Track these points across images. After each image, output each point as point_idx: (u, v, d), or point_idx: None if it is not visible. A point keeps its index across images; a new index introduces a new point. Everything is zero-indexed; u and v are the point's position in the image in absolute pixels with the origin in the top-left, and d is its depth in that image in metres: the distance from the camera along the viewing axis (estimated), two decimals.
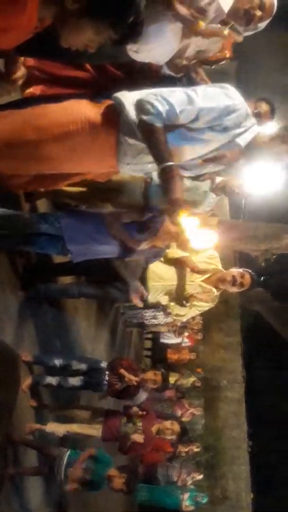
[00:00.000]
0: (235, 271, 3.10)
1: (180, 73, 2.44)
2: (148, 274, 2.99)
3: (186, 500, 6.62)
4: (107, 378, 3.30)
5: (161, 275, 3.00)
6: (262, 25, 2.33)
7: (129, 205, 2.84)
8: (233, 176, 3.02)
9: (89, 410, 3.52)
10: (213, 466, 9.33)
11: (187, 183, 2.08)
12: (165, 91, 1.76)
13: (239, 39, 2.33)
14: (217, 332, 10.39)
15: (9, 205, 2.79)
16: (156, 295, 3.01)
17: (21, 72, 1.80)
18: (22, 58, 2.68)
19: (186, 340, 8.76)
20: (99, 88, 2.26)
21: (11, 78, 1.74)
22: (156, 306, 3.20)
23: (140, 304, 2.67)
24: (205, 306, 3.11)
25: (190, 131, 1.81)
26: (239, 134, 1.85)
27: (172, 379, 8.30)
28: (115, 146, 1.81)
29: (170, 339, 8.52)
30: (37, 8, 1.16)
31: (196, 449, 7.53)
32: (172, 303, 2.97)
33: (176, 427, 3.48)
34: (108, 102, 1.83)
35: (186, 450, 7.11)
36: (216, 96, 1.78)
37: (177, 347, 8.93)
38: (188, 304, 2.86)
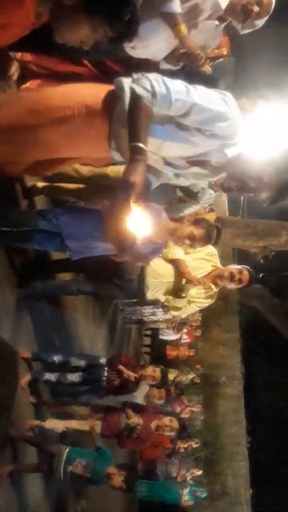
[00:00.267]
0: (233, 267, 3.10)
1: (179, 65, 2.42)
2: (147, 270, 2.99)
3: (185, 495, 6.66)
4: (106, 374, 3.31)
5: (159, 272, 3.00)
6: (260, 22, 2.32)
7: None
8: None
9: (88, 406, 3.53)
10: (212, 462, 9.37)
11: (187, 180, 2.05)
12: (166, 77, 1.72)
13: (226, 48, 2.31)
14: (216, 329, 10.40)
15: (7, 202, 2.79)
16: (154, 292, 3.01)
17: (14, 67, 1.79)
18: (19, 54, 2.68)
19: (185, 336, 8.78)
20: (97, 83, 2.25)
21: (6, 75, 1.72)
22: (155, 303, 3.20)
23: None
24: (204, 302, 3.12)
25: (180, 129, 1.77)
26: (228, 145, 1.80)
27: (171, 375, 8.32)
28: (108, 132, 1.79)
29: (169, 336, 8.53)
30: (34, 4, 1.15)
31: (195, 445, 7.57)
32: (169, 296, 2.97)
33: (175, 424, 3.49)
34: (110, 88, 1.81)
35: (185, 446, 7.14)
36: (213, 100, 1.74)
37: (176, 344, 8.95)
38: (184, 294, 2.86)
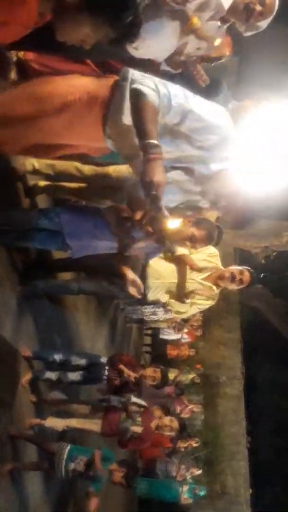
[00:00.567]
0: (234, 268, 3.11)
1: (179, 69, 2.43)
2: (148, 271, 2.99)
3: (185, 493, 6.67)
4: (106, 373, 3.32)
5: (161, 272, 3.00)
6: (264, 24, 2.32)
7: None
8: None
9: (89, 405, 3.53)
10: (212, 461, 9.38)
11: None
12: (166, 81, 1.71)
13: (228, 48, 2.31)
14: (217, 329, 10.41)
15: (8, 200, 2.80)
16: (156, 293, 3.02)
17: (12, 66, 1.80)
18: (21, 52, 2.69)
19: (185, 336, 8.78)
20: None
21: (5, 76, 1.73)
22: (156, 303, 3.21)
23: (138, 295, 2.59)
24: (206, 304, 3.12)
25: (168, 134, 1.75)
26: (213, 159, 1.78)
27: (171, 375, 8.33)
28: (103, 119, 1.78)
29: (169, 335, 8.54)
30: (37, 2, 1.16)
31: (195, 444, 7.57)
32: (172, 300, 2.98)
33: (175, 424, 3.49)
34: (114, 78, 1.81)
35: (185, 445, 7.15)
36: (209, 111, 1.72)
37: (176, 343, 8.95)
38: (188, 301, 2.86)
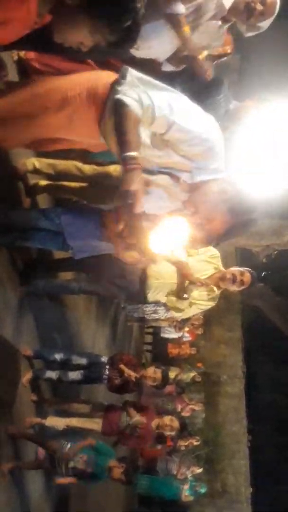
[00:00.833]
0: (235, 269, 3.10)
1: (181, 65, 2.41)
2: (148, 271, 2.98)
3: (186, 491, 6.69)
4: (107, 372, 3.32)
5: (161, 273, 2.99)
6: (265, 24, 2.30)
7: None
8: None
9: (89, 404, 3.54)
10: (213, 460, 9.39)
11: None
12: (155, 92, 1.67)
13: (230, 46, 2.29)
14: (218, 327, 10.40)
15: (9, 200, 2.80)
16: (156, 293, 3.01)
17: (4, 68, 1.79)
18: (22, 52, 2.68)
19: (186, 335, 8.78)
20: None
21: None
22: (156, 303, 3.20)
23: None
24: (206, 305, 3.12)
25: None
26: (198, 169, 1.77)
27: (172, 374, 8.34)
28: (99, 117, 1.77)
29: (170, 334, 8.54)
30: (37, 2, 1.15)
31: (196, 443, 7.58)
32: (171, 297, 2.96)
33: (176, 423, 3.49)
34: (114, 75, 1.80)
35: (186, 444, 7.16)
36: (195, 122, 1.70)
37: (177, 342, 8.95)
38: (186, 295, 2.85)
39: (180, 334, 8.20)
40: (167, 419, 3.45)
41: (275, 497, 11.12)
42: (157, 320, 5.64)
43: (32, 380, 3.16)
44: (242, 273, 3.02)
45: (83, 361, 3.31)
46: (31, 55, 2.69)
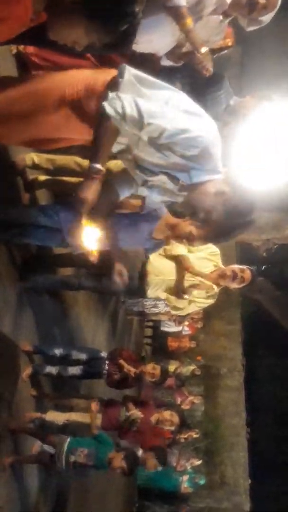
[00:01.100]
0: (236, 266, 3.09)
1: (180, 61, 2.38)
2: (148, 267, 2.98)
3: (185, 482, 6.75)
4: (106, 368, 3.33)
5: (161, 269, 2.99)
6: (267, 18, 2.27)
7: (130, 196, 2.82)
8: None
9: (89, 399, 3.55)
10: (212, 452, 9.46)
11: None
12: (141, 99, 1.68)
13: (231, 39, 2.27)
14: (217, 321, 10.42)
15: (8, 196, 2.78)
16: (155, 290, 3.01)
17: None
18: (21, 46, 2.66)
19: (186, 328, 8.80)
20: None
21: None
22: (156, 299, 3.20)
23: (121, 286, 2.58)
24: (205, 302, 3.11)
25: (151, 144, 1.77)
26: (195, 169, 1.79)
27: (172, 367, 8.37)
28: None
29: (170, 328, 8.56)
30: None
31: (195, 436, 7.63)
32: (170, 296, 2.97)
33: (176, 418, 3.50)
34: (112, 72, 1.78)
35: (185, 436, 7.20)
36: (189, 125, 1.71)
37: (177, 336, 8.97)
38: (186, 295, 2.85)
39: (180, 328, 8.22)
40: (167, 414, 3.46)
41: (273, 489, 11.22)
42: (157, 314, 5.65)
43: (32, 375, 3.17)
44: (242, 270, 3.02)
45: (83, 356, 3.32)
46: (30, 49, 2.66)
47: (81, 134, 1.93)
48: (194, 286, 3.00)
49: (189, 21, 2.10)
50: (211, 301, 3.10)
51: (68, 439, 3.02)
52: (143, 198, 2.23)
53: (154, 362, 3.59)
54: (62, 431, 3.31)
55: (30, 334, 3.21)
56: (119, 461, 2.93)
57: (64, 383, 3.57)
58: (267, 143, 2.44)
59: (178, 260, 2.87)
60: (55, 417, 3.26)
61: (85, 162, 2.92)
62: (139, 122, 1.67)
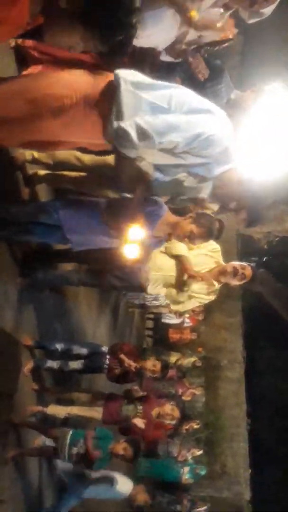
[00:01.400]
0: (236, 263, 3.08)
1: (179, 58, 2.36)
2: (149, 263, 2.97)
3: (186, 474, 6.82)
4: (107, 362, 3.34)
5: (161, 265, 2.98)
6: (268, 11, 2.24)
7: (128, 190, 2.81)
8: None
9: (90, 393, 3.57)
10: (213, 443, 9.55)
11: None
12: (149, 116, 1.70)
13: (231, 31, 2.25)
14: (218, 313, 10.44)
15: (8, 192, 2.77)
16: (155, 285, 3.00)
17: None
18: (20, 39, 2.62)
19: (187, 320, 8.82)
20: (100, 69, 2.20)
21: None
22: (156, 295, 3.20)
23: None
24: (205, 299, 3.11)
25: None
26: (213, 163, 1.83)
27: (173, 358, 8.41)
28: (103, 123, 1.77)
29: (171, 320, 8.58)
30: (28, 2, 1.11)
31: (196, 426, 7.70)
32: (171, 289, 2.97)
33: (176, 412, 3.52)
34: (109, 77, 1.77)
35: (187, 427, 7.27)
36: (201, 125, 1.74)
37: (178, 327, 9.00)
38: (186, 288, 2.85)
39: (181, 320, 8.24)
40: (167, 408, 3.48)
41: (273, 479, 11.34)
42: (157, 306, 5.66)
43: (33, 369, 3.18)
44: (243, 267, 3.01)
45: (84, 351, 3.33)
46: (29, 42, 2.62)
47: (81, 138, 1.92)
48: (193, 277, 2.99)
49: (193, 13, 2.08)
50: (212, 298, 3.10)
51: (71, 432, 3.05)
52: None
53: (154, 357, 3.60)
54: (63, 425, 3.34)
55: (31, 329, 3.22)
56: (121, 448, 2.96)
57: (65, 378, 3.58)
58: (269, 134, 2.42)
59: (178, 260, 2.86)
60: (57, 411, 3.29)
61: (85, 157, 2.90)
62: (152, 144, 1.71)
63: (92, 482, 3.41)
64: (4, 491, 2.77)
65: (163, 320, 8.82)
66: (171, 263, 2.89)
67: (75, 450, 3.01)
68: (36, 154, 2.86)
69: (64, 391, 3.56)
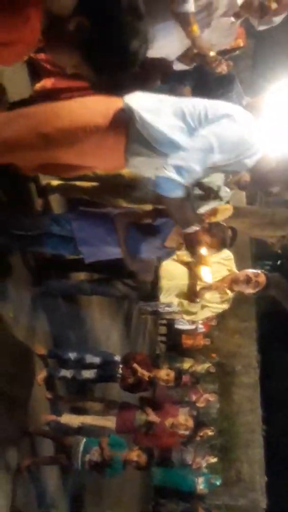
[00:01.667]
0: (249, 271, 3.05)
1: (193, 64, 2.35)
2: (161, 272, 2.96)
3: (200, 484, 6.76)
4: (120, 371, 3.34)
5: (174, 274, 2.97)
6: (278, 19, 2.23)
7: (141, 200, 2.80)
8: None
9: (103, 402, 3.57)
10: (228, 449, 9.46)
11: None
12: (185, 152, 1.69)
13: (242, 40, 2.25)
14: (232, 318, 10.35)
15: (21, 203, 2.80)
16: (168, 294, 2.99)
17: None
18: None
19: (200, 326, 8.77)
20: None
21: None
22: (169, 305, 3.19)
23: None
24: (219, 308, 3.09)
25: None
26: (246, 157, 1.81)
27: (186, 365, 8.36)
28: (123, 152, 1.77)
29: (185, 325, 8.54)
30: (40, 21, 1.11)
31: (210, 433, 7.62)
32: (183, 300, 2.95)
33: (190, 422, 3.50)
34: (119, 103, 1.77)
35: (201, 434, 7.20)
36: (231, 133, 1.72)
37: (192, 333, 8.96)
38: (199, 299, 2.83)
39: (194, 326, 8.20)
40: (181, 418, 3.45)
41: None
42: (171, 313, 5.64)
43: (47, 378, 3.20)
44: (256, 275, 2.98)
45: (96, 360, 3.33)
46: (42, 55, 2.65)
47: (93, 165, 1.94)
48: (207, 288, 2.98)
49: (195, 28, 2.08)
50: (225, 306, 3.07)
51: (84, 439, 3.07)
52: (155, 208, 2.23)
53: (167, 366, 3.59)
54: (77, 434, 3.34)
55: (44, 337, 3.23)
56: (134, 455, 2.96)
57: (78, 386, 3.59)
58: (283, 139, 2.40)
59: (190, 267, 2.85)
60: (70, 420, 3.30)
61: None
62: (197, 175, 1.73)
63: None
64: (19, 499, 2.78)
65: (176, 326, 8.78)
66: (184, 271, 2.88)
67: (87, 457, 3.02)
68: None
69: (77, 400, 3.57)
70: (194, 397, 7.91)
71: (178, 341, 9.05)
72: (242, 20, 2.48)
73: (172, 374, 3.41)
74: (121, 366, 3.35)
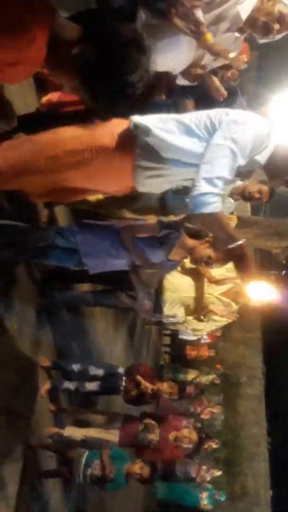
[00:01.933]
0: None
1: (195, 82, 2.38)
2: (165, 284, 2.96)
3: (204, 499, 6.66)
4: (123, 383, 3.32)
5: (178, 286, 2.97)
6: (279, 36, 2.26)
7: (146, 211, 2.81)
8: (252, 181, 2.95)
9: (106, 415, 3.55)
10: (232, 462, 9.32)
11: None
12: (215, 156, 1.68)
13: (240, 65, 2.26)
14: (236, 328, 10.28)
15: (27, 213, 2.81)
16: (171, 307, 2.99)
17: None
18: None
19: (205, 337, 8.71)
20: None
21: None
22: (173, 317, 3.18)
23: (145, 314, 2.64)
24: (223, 321, 3.07)
25: None
26: (258, 154, 1.80)
27: (190, 376, 8.30)
28: (131, 170, 1.78)
29: (189, 336, 8.47)
30: (46, 41, 1.13)
31: (214, 446, 7.53)
32: (189, 317, 2.94)
33: (194, 435, 3.46)
34: (125, 124, 1.79)
35: (205, 447, 7.11)
36: (249, 138, 1.72)
37: (196, 344, 8.90)
38: (205, 319, 2.82)
39: (198, 337, 8.15)
40: (185, 432, 3.42)
41: None
42: (175, 323, 5.63)
43: (50, 390, 3.18)
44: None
45: (100, 372, 3.32)
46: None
47: (101, 188, 1.96)
48: (213, 310, 2.98)
49: (209, 36, 2.10)
50: (229, 320, 3.05)
51: (86, 452, 3.05)
52: (159, 220, 2.23)
53: (171, 378, 3.57)
54: (80, 446, 3.32)
55: (48, 349, 3.23)
56: (137, 468, 2.94)
57: (82, 399, 3.57)
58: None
59: (198, 271, 2.83)
60: (73, 432, 3.28)
61: None
62: (229, 182, 1.72)
63: None
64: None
65: (180, 337, 8.73)
66: (189, 283, 2.87)
67: (89, 471, 3.00)
68: None
69: (80, 412, 3.55)
70: (198, 409, 7.84)
71: (182, 352, 8.99)
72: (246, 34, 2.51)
73: (175, 387, 3.40)
74: (124, 378, 3.34)
